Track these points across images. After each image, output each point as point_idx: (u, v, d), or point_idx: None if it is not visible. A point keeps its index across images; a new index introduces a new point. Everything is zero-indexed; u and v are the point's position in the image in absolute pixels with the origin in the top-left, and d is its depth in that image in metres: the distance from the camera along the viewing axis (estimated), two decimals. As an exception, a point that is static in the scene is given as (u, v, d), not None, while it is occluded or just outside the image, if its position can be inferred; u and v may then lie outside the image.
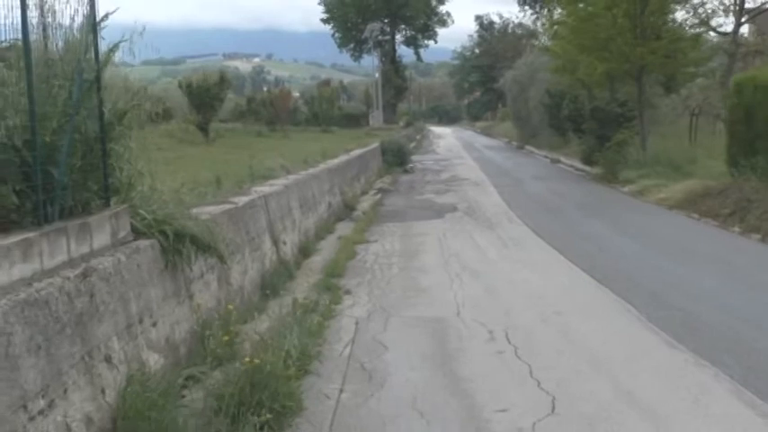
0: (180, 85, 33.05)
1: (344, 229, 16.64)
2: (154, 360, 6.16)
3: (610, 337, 8.17)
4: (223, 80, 31.81)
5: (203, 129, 30.55)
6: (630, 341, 8.04)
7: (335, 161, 21.44)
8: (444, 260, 12.70)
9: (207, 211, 8.79)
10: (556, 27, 35.94)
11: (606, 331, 8.42)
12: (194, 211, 8.41)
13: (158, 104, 35.25)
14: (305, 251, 13.29)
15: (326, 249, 13.95)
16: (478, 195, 22.93)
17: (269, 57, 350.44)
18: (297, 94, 72.99)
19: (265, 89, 68.02)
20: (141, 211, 6.74)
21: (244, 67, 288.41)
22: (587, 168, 30.83)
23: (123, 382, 5.42)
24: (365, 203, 21.47)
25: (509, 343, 7.93)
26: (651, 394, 6.42)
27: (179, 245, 6.95)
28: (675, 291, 10.22)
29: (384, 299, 10.15)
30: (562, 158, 37.11)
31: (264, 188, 12.30)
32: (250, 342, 7.03)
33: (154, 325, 6.36)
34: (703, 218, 17.20)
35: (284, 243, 12.02)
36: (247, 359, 5.90)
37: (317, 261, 12.75)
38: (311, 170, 17.37)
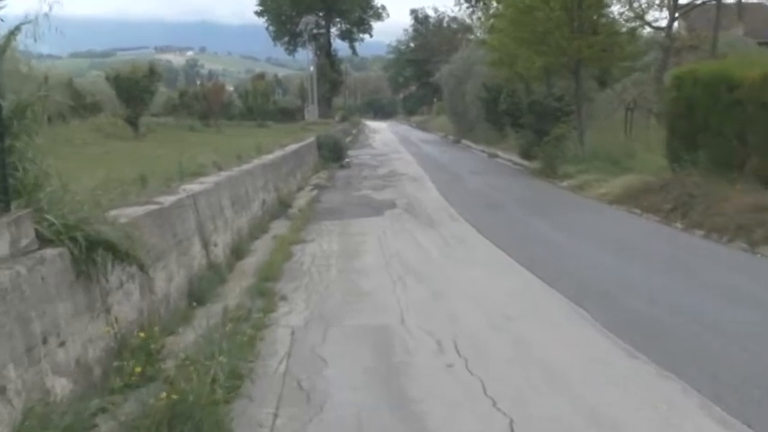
0: (107, 78, 31.77)
1: (280, 227, 15.92)
2: (60, 386, 5.41)
3: (564, 346, 7.65)
4: (153, 72, 30.63)
5: (133, 123, 29.40)
6: (586, 350, 7.53)
7: (270, 156, 20.67)
8: (386, 261, 12.09)
9: (128, 213, 8.03)
10: (493, 20, 35.71)
11: (560, 339, 7.90)
12: (115, 213, 7.65)
13: (82, 97, 34.04)
14: (238, 252, 12.56)
15: (261, 250, 13.21)
16: (417, 191, 22.40)
17: (202, 50, 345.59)
18: (231, 88, 71.84)
19: (199, 83, 66.57)
20: (48, 216, 5.95)
21: (177, 60, 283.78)
22: (525, 163, 30.59)
23: (19, 417, 4.67)
24: (301, 200, 20.77)
25: (459, 355, 7.33)
26: (616, 412, 5.89)
27: (93, 253, 6.19)
28: (626, 292, 9.79)
29: (323, 305, 9.48)
30: (500, 153, 36.87)
31: (194, 186, 11.53)
32: (173, 360, 6.31)
33: (61, 345, 5.60)
34: (645, 213, 16.94)
35: (215, 245, 11.28)
36: (164, 394, 5.14)
37: (251, 263, 12.01)
38: (244, 166, 16.58)
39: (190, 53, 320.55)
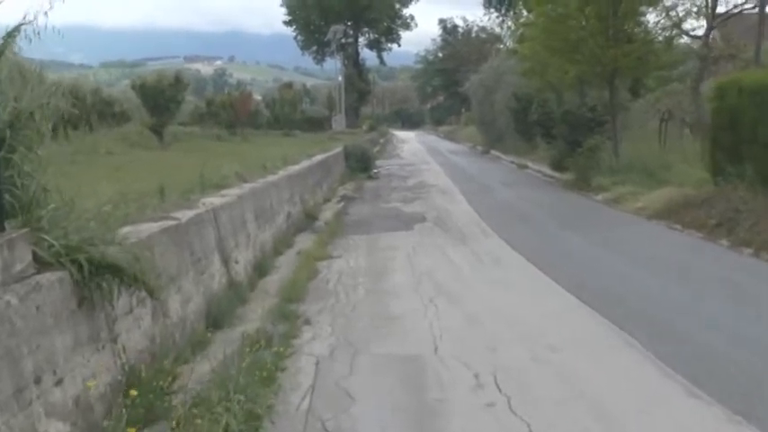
0: (133, 86, 31.46)
1: (305, 242, 15.30)
2: (56, 431, 4.82)
3: (616, 381, 6.94)
4: (179, 81, 30.27)
5: (158, 132, 29.01)
6: (641, 386, 6.81)
7: (296, 167, 20.10)
8: (416, 280, 11.42)
9: (142, 230, 7.45)
10: (523, 29, 35.01)
11: (610, 373, 7.19)
12: (127, 230, 7.09)
13: (110, 106, 33.74)
14: (261, 269, 11.94)
15: (285, 266, 12.60)
16: (447, 204, 21.74)
17: (231, 59, 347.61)
18: (259, 97, 71.68)
19: (226, 92, 66.30)
20: (47, 237, 5.35)
21: (205, 69, 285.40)
22: (556, 174, 29.83)
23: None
24: (328, 212, 20.18)
25: (500, 391, 6.64)
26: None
27: (97, 277, 5.59)
28: (677, 317, 9.05)
29: (349, 330, 8.81)
30: (529, 164, 36.12)
31: (215, 199, 10.95)
32: (184, 395, 5.69)
33: (58, 383, 4.99)
34: (686, 229, 16.16)
35: (236, 262, 10.68)
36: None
37: (274, 281, 11.40)
38: (270, 177, 16.00)
39: (218, 62, 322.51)
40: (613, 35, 26.90)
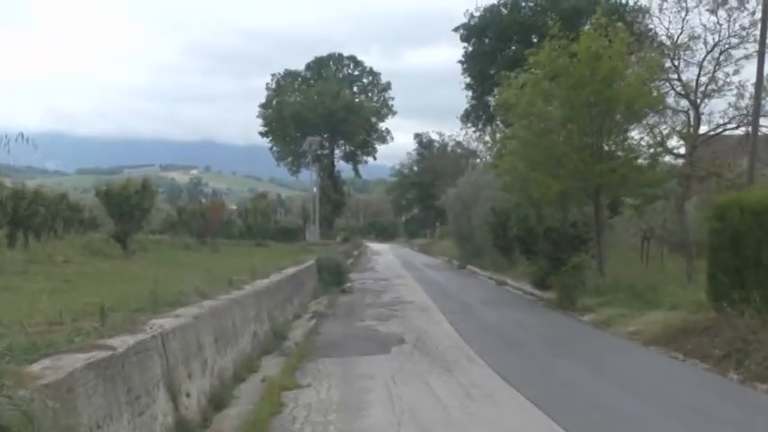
0: (97, 193, 30.15)
1: (272, 366, 13.71)
2: None
3: None
4: (145, 188, 28.97)
5: (121, 240, 27.54)
6: None
7: (265, 282, 18.64)
8: (397, 420, 9.77)
9: (63, 364, 5.98)
10: (503, 143, 34.45)
11: None
12: (44, 364, 5.63)
13: (78, 212, 32.44)
14: (218, 401, 10.34)
15: (246, 397, 11.00)
16: (427, 324, 20.24)
17: (207, 169, 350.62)
18: (234, 207, 71.02)
19: (199, 200, 65.40)
20: None
21: (181, 178, 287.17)
22: (538, 293, 28.62)
23: None
24: (298, 331, 18.64)
25: None
26: None
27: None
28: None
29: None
30: (509, 280, 34.98)
31: (167, 320, 9.48)
32: None
33: None
34: (689, 358, 14.80)
35: (188, 395, 9.12)
36: None
37: (232, 417, 9.79)
38: (234, 293, 14.52)
39: (194, 171, 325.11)
40: (597, 151, 26.26)
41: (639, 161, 27.46)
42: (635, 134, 28.24)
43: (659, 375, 13.41)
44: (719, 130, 30.18)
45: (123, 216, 28.47)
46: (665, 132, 28.51)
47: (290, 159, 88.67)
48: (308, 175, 77.76)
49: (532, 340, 17.63)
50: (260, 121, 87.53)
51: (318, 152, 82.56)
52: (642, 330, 17.97)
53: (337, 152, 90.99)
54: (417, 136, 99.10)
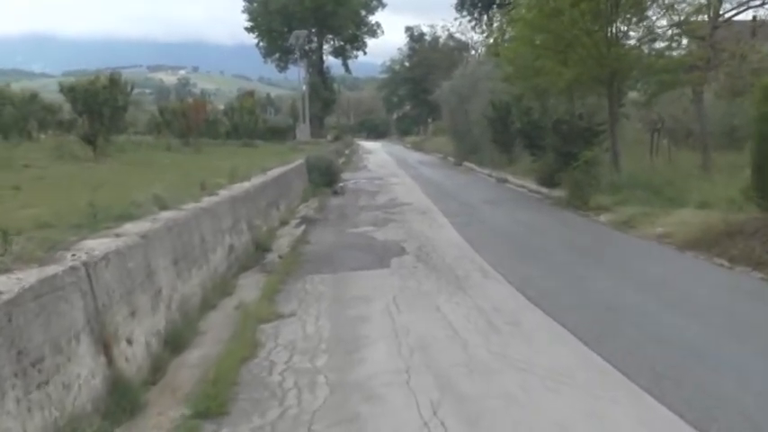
0: (61, 90, 27.42)
1: (250, 287, 11.53)
2: None
3: None
4: (114, 83, 26.18)
5: (91, 142, 24.99)
6: None
7: (246, 185, 16.33)
8: (405, 363, 7.55)
9: None
10: (504, 29, 31.68)
11: None
12: None
13: (54, 113, 29.94)
14: (177, 341, 8.15)
15: (214, 333, 8.82)
16: (429, 229, 18.01)
17: (195, 69, 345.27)
18: (222, 107, 68.28)
19: (180, 99, 62.36)
20: None
21: (169, 79, 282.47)
22: (544, 190, 26.42)
23: None
24: (284, 240, 16.44)
25: None
26: None
27: None
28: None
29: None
30: (510, 178, 32.73)
31: (102, 242, 7.22)
32: None
33: None
34: (737, 266, 12.70)
35: (129, 342, 6.92)
36: None
37: (192, 365, 7.60)
38: (206, 201, 12.23)
39: (182, 72, 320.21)
40: (613, 33, 23.67)
41: (657, 44, 24.89)
42: (650, 14, 25.53)
43: (710, 289, 11.24)
44: (742, 8, 27.40)
45: (92, 115, 25.82)
46: (685, 11, 25.63)
47: (277, 56, 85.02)
48: (297, 73, 74.52)
49: (550, 246, 15.46)
50: (246, 16, 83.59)
51: (306, 47, 79.10)
52: (673, 233, 15.83)
53: (326, 47, 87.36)
54: (408, 29, 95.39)
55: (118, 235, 7.76)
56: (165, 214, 9.76)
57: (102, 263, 6.64)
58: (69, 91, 26.08)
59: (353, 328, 8.97)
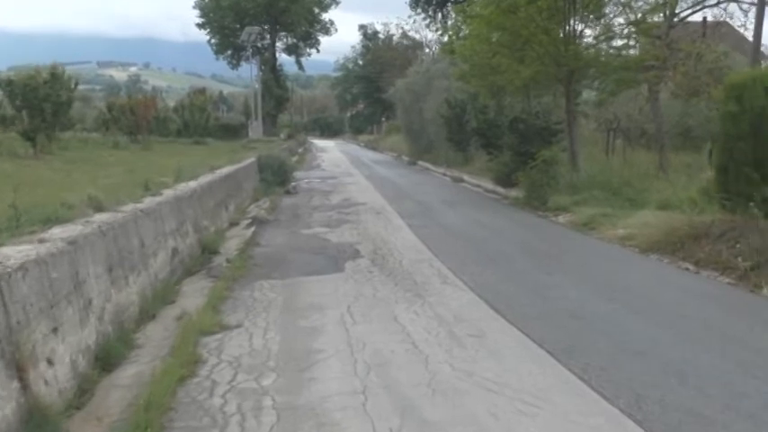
0: (-1, 84, 26.23)
1: (194, 293, 10.77)
2: None
3: None
4: (56, 78, 25.03)
5: (30, 138, 23.86)
6: None
7: (193, 184, 15.51)
8: (362, 384, 6.78)
9: None
10: (459, 27, 31.18)
11: None
12: None
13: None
14: (108, 358, 7.38)
15: (151, 347, 8.04)
16: (384, 230, 17.35)
17: (146, 66, 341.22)
18: (172, 104, 67.08)
19: (128, 95, 60.90)
20: None
21: (119, 75, 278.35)
22: (501, 190, 26.00)
23: None
24: (233, 242, 15.67)
25: None
26: None
27: None
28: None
29: None
30: (465, 177, 32.33)
31: (21, 250, 6.43)
32: None
33: None
34: (703, 270, 12.29)
35: (49, 362, 6.14)
36: None
37: (125, 384, 6.81)
38: (147, 201, 11.42)
39: (133, 69, 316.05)
40: (570, 31, 23.29)
41: (615, 42, 24.56)
42: (607, 11, 25.19)
43: (679, 295, 10.77)
44: (698, 8, 27.24)
45: (33, 110, 24.66)
46: (642, 9, 25.30)
47: (229, 53, 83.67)
48: (250, 71, 73.37)
49: (510, 249, 14.90)
50: (197, 12, 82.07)
51: (259, 44, 78.10)
52: (635, 234, 15.39)
53: (279, 45, 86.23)
54: (362, 27, 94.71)
55: (42, 241, 6.96)
56: (100, 217, 8.96)
57: (19, 274, 5.85)
58: (7, 85, 24.89)
59: (305, 342, 8.23)
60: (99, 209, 9.43)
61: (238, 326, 8.92)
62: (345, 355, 7.72)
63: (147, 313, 9.32)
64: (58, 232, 7.56)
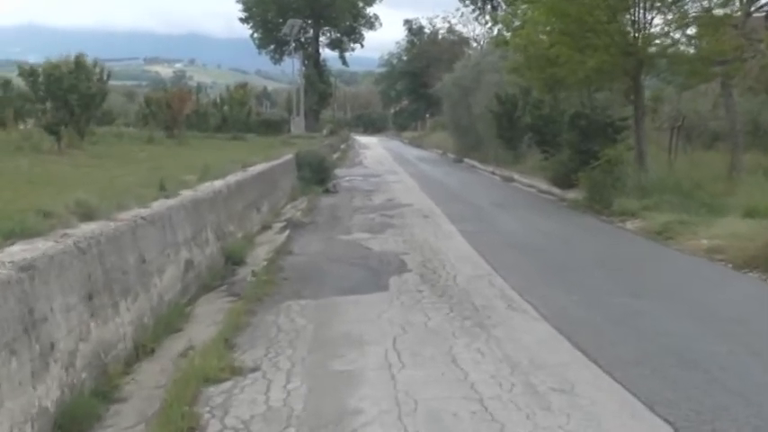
0: (21, 74, 24.66)
1: (206, 318, 8.89)
2: None
3: None
4: (80, 67, 23.42)
5: (54, 132, 22.26)
6: None
7: (218, 184, 13.71)
8: None
9: None
10: (514, 16, 29.01)
11: None
12: None
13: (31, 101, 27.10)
14: (73, 422, 5.49)
15: (139, 401, 6.15)
16: (433, 237, 15.35)
17: (191, 62, 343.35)
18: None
19: (164, 89, 59.75)
20: None
21: (165, 71, 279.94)
22: (556, 191, 23.94)
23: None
24: (262, 250, 13.81)
25: None
26: None
27: None
28: None
29: None
30: (516, 176, 30.32)
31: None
32: None
33: None
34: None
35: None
36: None
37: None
38: (155, 206, 9.59)
39: (178, 65, 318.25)
40: (640, 18, 21.14)
41: (690, 31, 22.30)
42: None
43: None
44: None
45: (56, 102, 23.08)
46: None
47: (272, 47, 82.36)
48: (292, 65, 71.85)
49: (580, 262, 12.87)
50: (240, 7, 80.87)
51: (302, 38, 76.63)
52: (724, 247, 13.27)
53: (323, 39, 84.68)
54: (407, 22, 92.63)
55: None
56: (86, 228, 7.13)
57: None
58: (29, 75, 23.34)
59: (338, 396, 6.24)
60: (87, 217, 7.61)
61: (254, 369, 6.96)
62: (391, 419, 5.73)
63: (144, 348, 7.47)
64: (16, 251, 5.73)
